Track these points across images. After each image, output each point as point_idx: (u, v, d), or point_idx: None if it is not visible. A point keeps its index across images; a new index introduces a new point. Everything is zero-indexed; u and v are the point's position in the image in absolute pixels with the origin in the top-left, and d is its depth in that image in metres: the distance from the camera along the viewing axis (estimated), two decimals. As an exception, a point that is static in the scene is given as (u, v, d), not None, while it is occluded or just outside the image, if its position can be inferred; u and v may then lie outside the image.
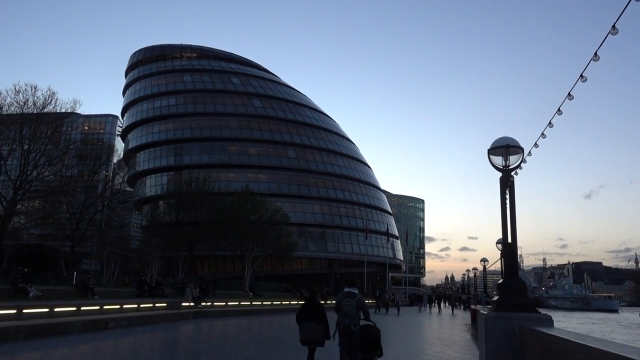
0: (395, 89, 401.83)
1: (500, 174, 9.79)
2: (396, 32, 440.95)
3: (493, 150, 9.78)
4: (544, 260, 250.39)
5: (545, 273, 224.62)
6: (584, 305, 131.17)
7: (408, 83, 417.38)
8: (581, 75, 9.76)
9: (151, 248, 49.07)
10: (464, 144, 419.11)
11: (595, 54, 8.88)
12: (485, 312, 9.49)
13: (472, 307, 29.42)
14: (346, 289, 9.07)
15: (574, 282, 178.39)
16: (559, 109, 10.72)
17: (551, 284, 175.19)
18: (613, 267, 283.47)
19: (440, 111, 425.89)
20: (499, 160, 9.81)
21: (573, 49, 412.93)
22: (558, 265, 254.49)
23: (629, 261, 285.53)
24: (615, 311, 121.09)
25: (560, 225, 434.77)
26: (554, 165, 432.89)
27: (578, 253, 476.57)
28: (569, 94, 10.24)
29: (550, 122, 11.11)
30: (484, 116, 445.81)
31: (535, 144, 10.72)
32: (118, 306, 17.95)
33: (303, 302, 9.64)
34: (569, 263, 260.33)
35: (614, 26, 8.14)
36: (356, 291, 9.05)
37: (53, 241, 48.77)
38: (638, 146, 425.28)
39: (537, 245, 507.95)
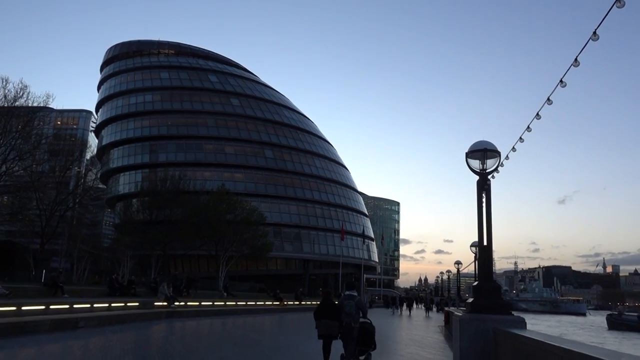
0: (373, 92, 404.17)
1: (477, 178, 9.90)
2: (373, 36, 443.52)
3: (471, 154, 9.87)
4: (515, 263, 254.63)
5: (517, 276, 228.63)
6: (553, 308, 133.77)
7: (385, 86, 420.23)
8: (561, 81, 9.88)
9: (123, 246, 48.27)
10: (441, 148, 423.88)
11: (576, 59, 9.01)
12: (460, 314, 9.57)
13: (446, 309, 29.69)
14: (346, 292, 10.61)
15: (544, 285, 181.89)
16: (537, 114, 10.85)
17: (522, 287, 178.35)
18: (582, 271, 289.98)
19: (417, 114, 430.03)
20: (476, 163, 9.91)
21: (552, 54, 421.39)
22: (529, 268, 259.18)
23: (597, 266, 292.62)
24: (583, 314, 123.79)
25: (533, 229, 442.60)
26: (529, 170, 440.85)
27: (550, 257, 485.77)
28: (548, 98, 10.37)
29: (528, 127, 11.24)
30: (461, 120, 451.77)
31: (513, 148, 10.85)
32: (88, 305, 17.54)
33: (320, 302, 11.00)
34: (539, 267, 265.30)
35: (594, 32, 8.28)
36: (355, 293, 10.53)
37: (22, 238, 47.52)
38: (612, 153, 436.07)
39: (510, 249, 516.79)
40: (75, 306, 16.61)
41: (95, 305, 17.88)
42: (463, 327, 8.80)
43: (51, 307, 15.29)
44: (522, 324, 8.61)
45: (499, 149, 9.81)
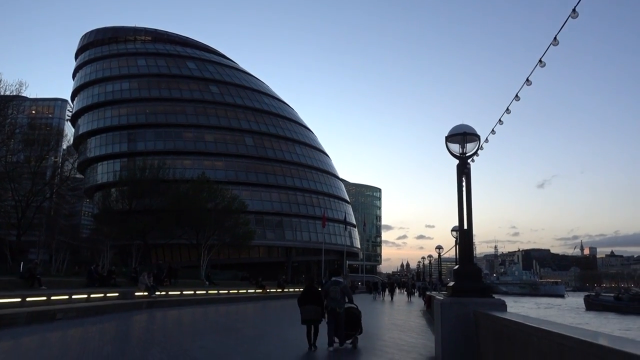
0: (353, 79, 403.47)
1: (457, 162, 9.87)
2: (353, 22, 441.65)
3: (450, 138, 9.83)
4: (495, 247, 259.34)
5: (497, 260, 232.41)
6: (533, 290, 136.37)
7: (365, 73, 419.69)
8: (540, 60, 9.88)
9: (103, 237, 47.67)
10: (421, 133, 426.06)
11: (555, 38, 8.98)
12: (441, 298, 9.59)
13: (428, 293, 29.96)
14: (333, 278, 10.99)
15: (524, 268, 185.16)
16: (516, 95, 10.85)
17: (502, 270, 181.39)
18: (560, 254, 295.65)
19: (397, 100, 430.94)
20: (456, 147, 9.88)
21: (530, 36, 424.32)
22: (509, 252, 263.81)
23: (574, 248, 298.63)
24: (562, 296, 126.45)
25: (513, 214, 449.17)
26: (509, 155, 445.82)
27: (529, 241, 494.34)
28: (527, 79, 10.36)
29: (507, 109, 11.25)
30: (441, 105, 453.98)
31: (492, 130, 10.86)
32: (67, 296, 17.22)
33: (303, 289, 11.44)
34: (519, 250, 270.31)
35: (574, 10, 8.23)
36: (341, 279, 10.95)
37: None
38: (590, 137, 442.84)
39: (490, 233, 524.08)
40: (52, 298, 16.29)
41: (73, 296, 17.58)
42: (444, 311, 8.82)
43: (27, 299, 14.95)
44: (503, 306, 8.64)
45: (478, 133, 9.81)
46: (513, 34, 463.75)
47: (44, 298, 15.90)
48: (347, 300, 10.74)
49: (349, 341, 11.02)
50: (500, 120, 11.24)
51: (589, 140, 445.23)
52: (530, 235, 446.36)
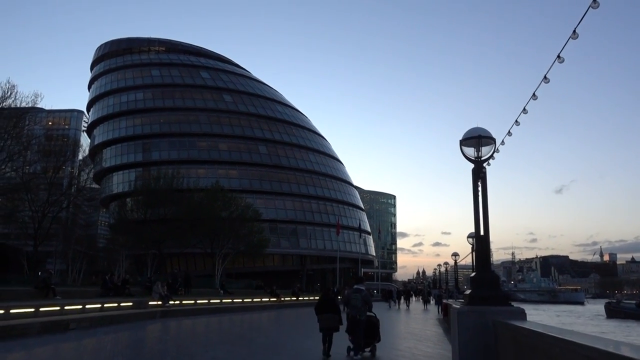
0: (366, 85, 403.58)
1: (472, 166, 9.62)
2: (365, 28, 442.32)
3: (465, 141, 9.58)
4: (512, 254, 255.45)
5: (514, 267, 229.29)
6: (551, 298, 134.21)
7: (379, 79, 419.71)
8: (558, 56, 9.56)
9: (118, 246, 47.93)
10: (436, 139, 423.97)
11: (574, 31, 8.68)
12: (458, 306, 9.31)
13: (444, 301, 29.50)
14: (355, 286, 11.10)
15: (542, 275, 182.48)
16: (534, 94, 10.54)
17: (520, 277, 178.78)
18: (580, 260, 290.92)
19: (411, 107, 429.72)
20: (471, 151, 9.63)
21: (548, 37, 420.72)
22: (526, 259, 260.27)
23: (594, 254, 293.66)
24: (582, 303, 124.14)
25: (530, 220, 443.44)
26: (526, 160, 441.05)
27: (547, 247, 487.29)
28: (545, 76, 10.07)
29: (524, 109, 10.90)
30: (455, 111, 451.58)
31: (509, 132, 10.55)
32: (80, 306, 17.18)
33: (320, 298, 11.52)
34: (536, 257, 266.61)
35: (593, 1, 7.94)
36: (362, 287, 11.04)
37: (16, 240, 47.09)
38: (610, 141, 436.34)
39: (507, 239, 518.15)
40: (66, 308, 16.27)
41: (87, 306, 17.54)
42: (461, 320, 8.53)
43: (41, 309, 14.94)
44: (522, 315, 8.35)
45: (494, 137, 9.55)
46: (529, 36, 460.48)
47: (58, 308, 15.87)
48: (367, 308, 10.79)
49: (367, 349, 11.03)
50: (516, 121, 10.93)
51: (608, 144, 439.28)
52: (549, 242, 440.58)
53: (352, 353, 10.56)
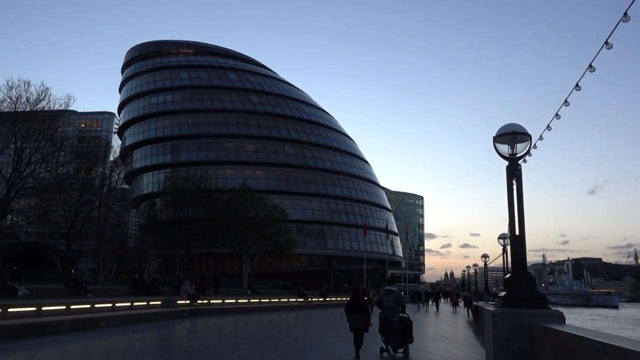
0: (394, 85, 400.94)
1: (506, 163, 9.30)
2: (393, 28, 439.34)
3: (499, 138, 9.26)
4: (543, 256, 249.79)
5: (545, 269, 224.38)
6: (584, 301, 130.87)
7: (407, 79, 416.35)
8: (590, 65, 9.30)
9: (148, 246, 48.63)
10: (464, 139, 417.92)
11: (607, 42, 8.38)
12: (492, 309, 9.01)
13: (475, 303, 28.93)
14: (387, 287, 11.35)
15: (574, 278, 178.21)
16: (566, 100, 10.21)
17: (551, 280, 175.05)
18: (613, 262, 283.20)
19: (439, 106, 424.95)
20: (505, 148, 9.30)
21: (580, 37, 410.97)
22: (557, 261, 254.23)
23: (628, 257, 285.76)
24: (616, 307, 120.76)
25: (562, 221, 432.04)
26: (557, 160, 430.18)
27: (579, 249, 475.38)
28: (577, 84, 9.75)
29: (557, 114, 10.55)
30: (483, 111, 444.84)
31: (548, 126, 10.15)
32: (110, 304, 17.38)
33: (350, 298, 11.64)
34: (568, 259, 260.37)
35: (625, 14, 7.69)
36: (395, 289, 11.24)
37: (49, 240, 48.21)
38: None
39: (538, 241, 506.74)
40: (96, 306, 16.47)
41: (117, 304, 17.73)
42: (496, 323, 8.23)
43: (72, 307, 15.14)
44: (561, 318, 8.01)
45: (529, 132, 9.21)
46: (561, 37, 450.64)
47: (88, 306, 16.08)
48: (400, 309, 10.90)
49: (400, 350, 11.06)
50: (548, 126, 10.57)
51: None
52: (581, 244, 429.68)
53: (385, 354, 10.58)
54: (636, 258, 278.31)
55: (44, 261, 44.82)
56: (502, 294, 8.95)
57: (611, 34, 8.44)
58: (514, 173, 9.05)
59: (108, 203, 51.17)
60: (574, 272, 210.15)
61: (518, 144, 9.11)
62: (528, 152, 9.23)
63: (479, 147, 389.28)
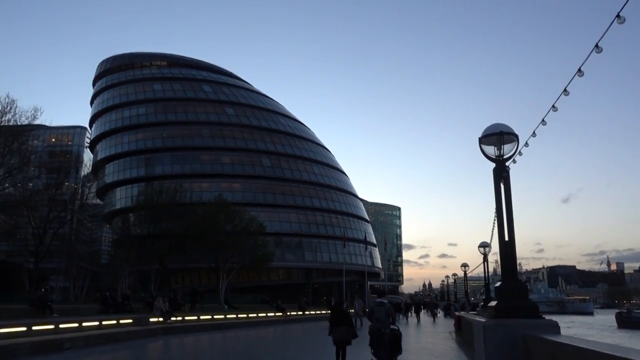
0: (370, 95, 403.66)
1: (493, 165, 8.87)
2: (369, 37, 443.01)
3: (485, 139, 8.85)
4: (519, 264, 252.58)
5: (521, 277, 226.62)
6: (560, 308, 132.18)
7: (383, 89, 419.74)
8: (579, 70, 9.01)
9: (121, 262, 47.22)
10: (441, 150, 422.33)
11: (597, 45, 8.08)
12: (482, 320, 8.50)
13: (457, 313, 28.46)
14: (377, 300, 11.08)
15: (549, 285, 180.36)
16: (553, 106, 9.85)
17: (527, 288, 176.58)
18: (587, 270, 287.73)
19: (415, 116, 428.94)
20: (491, 149, 8.89)
21: (558, 45, 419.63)
22: (533, 269, 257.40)
23: (601, 264, 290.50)
24: (591, 314, 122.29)
25: (537, 229, 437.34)
26: (532, 169, 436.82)
27: (554, 257, 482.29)
28: (565, 89, 9.41)
29: (543, 120, 10.15)
30: (461, 120, 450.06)
31: (533, 134, 9.78)
32: (76, 324, 16.35)
33: (332, 311, 11.84)
34: (543, 267, 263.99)
35: (618, 15, 7.40)
36: (385, 301, 11.00)
37: (17, 257, 46.45)
38: (617, 149, 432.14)
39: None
40: (61, 326, 15.44)
41: (84, 324, 16.70)
42: (487, 335, 7.72)
43: (33, 328, 14.11)
44: (555, 328, 7.54)
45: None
46: (546, 42, 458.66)
47: (52, 327, 15.04)
48: (390, 321, 10.72)
49: None
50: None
51: (615, 152, 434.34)
52: (556, 252, 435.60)
53: None
54: (609, 265, 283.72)
55: (12, 280, 43.05)
56: (493, 303, 8.47)
57: (602, 37, 8.16)
58: (501, 175, 8.63)
59: (79, 219, 49.66)
60: (549, 280, 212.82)
61: (505, 145, 8.71)
62: (516, 153, 8.83)
63: (456, 156, 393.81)
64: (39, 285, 39.24)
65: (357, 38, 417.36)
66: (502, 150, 8.68)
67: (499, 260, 9.30)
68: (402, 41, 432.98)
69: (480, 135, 8.93)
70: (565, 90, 9.40)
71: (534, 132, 9.64)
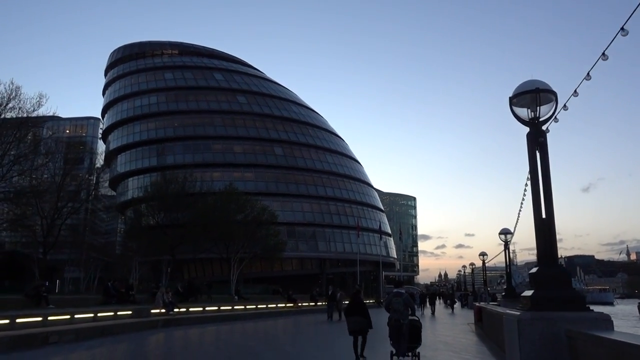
0: (385, 85, 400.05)
1: (526, 130, 7.44)
2: (386, 28, 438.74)
3: (517, 98, 7.41)
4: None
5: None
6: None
7: (398, 78, 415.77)
8: (603, 54, 7.69)
9: (132, 252, 46.62)
10: (455, 140, 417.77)
11: (622, 28, 6.64)
12: (516, 313, 7.12)
13: (477, 304, 26.96)
14: (394, 290, 10.72)
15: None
16: (575, 91, 8.44)
17: (570, 275, 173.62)
18: (606, 259, 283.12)
19: (431, 107, 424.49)
20: (524, 111, 7.45)
21: (589, 27, 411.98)
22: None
23: (620, 253, 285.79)
24: (611, 304, 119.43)
25: (557, 219, 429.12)
26: (552, 158, 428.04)
27: (572, 247, 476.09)
28: (588, 74, 8.09)
29: (565, 105, 8.73)
30: (476, 112, 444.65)
31: (575, 91, 8.27)
32: (68, 316, 15.30)
33: (349, 301, 11.81)
34: (562, 257, 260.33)
35: None
36: (403, 291, 10.64)
37: (26, 248, 46.06)
38: (638, 137, 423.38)
39: (530, 240, 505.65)
40: (50, 318, 14.38)
41: (76, 316, 15.62)
42: (523, 331, 6.35)
43: (18, 320, 13.05)
44: (608, 323, 6.16)
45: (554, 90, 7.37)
46: (566, 28, 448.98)
47: (39, 319, 13.97)
48: (409, 312, 10.33)
49: (410, 354, 10.36)
50: (575, 92, 8.72)
51: (638, 141, 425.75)
52: (574, 241, 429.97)
53: (395, 358, 10.02)
54: (628, 254, 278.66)
55: (25, 271, 42.66)
56: (528, 293, 7.10)
57: (627, 20, 6.91)
58: (537, 141, 7.20)
59: (92, 209, 49.16)
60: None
61: (541, 106, 7.28)
62: (554, 116, 7.40)
63: (472, 147, 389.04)
64: (51, 276, 38.80)
65: (372, 23, 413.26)
66: (537, 112, 7.25)
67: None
68: (418, 26, 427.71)
69: (510, 95, 7.51)
70: (587, 74, 8.01)
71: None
